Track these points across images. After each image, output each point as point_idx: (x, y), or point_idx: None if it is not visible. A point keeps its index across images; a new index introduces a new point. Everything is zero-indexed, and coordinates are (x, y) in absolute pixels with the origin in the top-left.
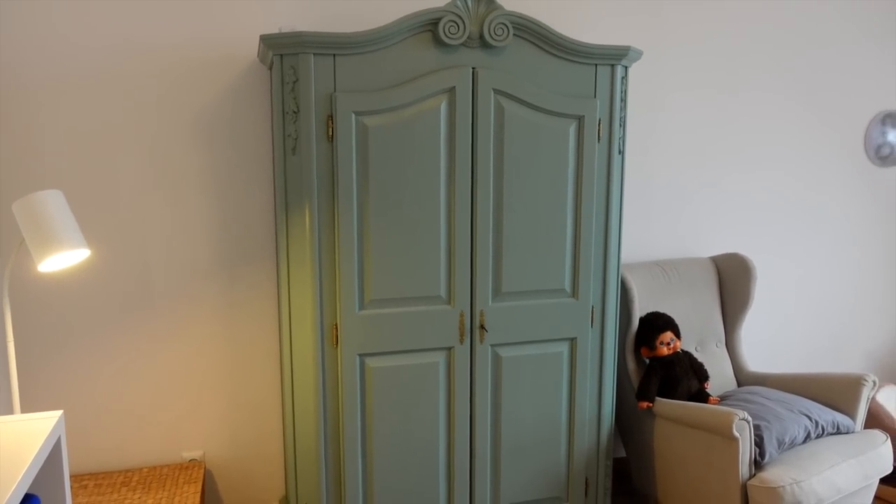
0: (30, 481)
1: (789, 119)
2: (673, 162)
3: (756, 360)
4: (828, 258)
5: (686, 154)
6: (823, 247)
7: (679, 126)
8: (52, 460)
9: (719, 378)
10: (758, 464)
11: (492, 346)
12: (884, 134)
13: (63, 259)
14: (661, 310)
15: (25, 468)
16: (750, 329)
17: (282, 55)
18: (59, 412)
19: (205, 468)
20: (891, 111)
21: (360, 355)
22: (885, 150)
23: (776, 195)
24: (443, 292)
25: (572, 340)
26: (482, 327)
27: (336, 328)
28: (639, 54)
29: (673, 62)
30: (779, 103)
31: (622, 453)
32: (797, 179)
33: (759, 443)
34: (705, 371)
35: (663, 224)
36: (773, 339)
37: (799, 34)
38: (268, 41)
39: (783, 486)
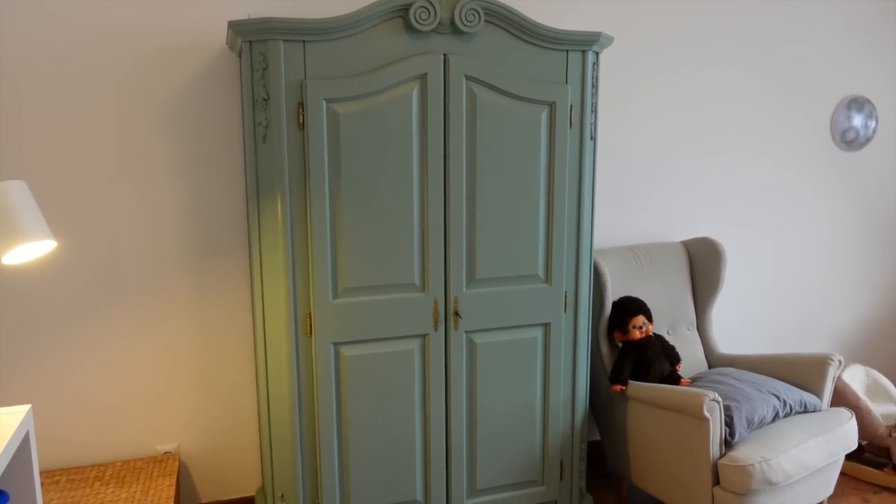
0: None
1: (758, 104)
2: (644, 147)
3: (726, 342)
4: (795, 241)
5: (657, 139)
6: (791, 230)
7: (649, 111)
8: (20, 455)
9: (690, 360)
10: (728, 443)
11: (466, 332)
12: (849, 119)
13: (28, 251)
14: (634, 294)
15: None
16: (720, 312)
17: (251, 42)
18: (27, 406)
19: (179, 461)
20: (856, 96)
21: (335, 344)
22: (851, 135)
23: (746, 180)
24: (417, 279)
25: (546, 326)
26: (456, 314)
27: (310, 317)
28: (609, 40)
29: (643, 48)
30: (747, 88)
31: (597, 436)
32: (766, 164)
33: (730, 423)
34: (677, 354)
35: (635, 209)
36: (743, 321)
37: (768, 19)
38: (236, 27)
39: (752, 465)
